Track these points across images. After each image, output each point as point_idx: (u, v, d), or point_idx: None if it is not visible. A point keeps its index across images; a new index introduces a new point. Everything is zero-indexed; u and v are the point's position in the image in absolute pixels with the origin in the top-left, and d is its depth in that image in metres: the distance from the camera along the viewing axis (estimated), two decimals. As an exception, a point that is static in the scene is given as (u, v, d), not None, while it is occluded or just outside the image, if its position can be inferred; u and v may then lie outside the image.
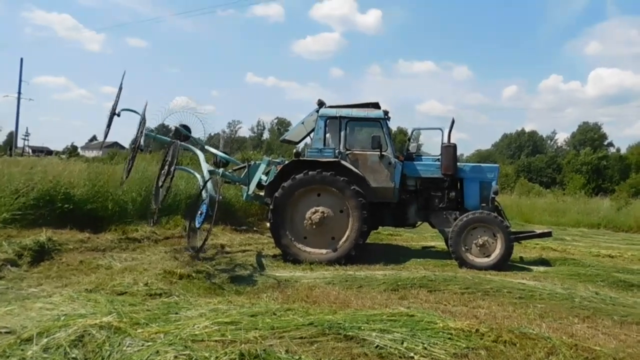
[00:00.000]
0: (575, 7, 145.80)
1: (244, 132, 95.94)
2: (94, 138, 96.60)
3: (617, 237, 16.08)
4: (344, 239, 8.74)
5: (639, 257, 11.10)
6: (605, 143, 77.18)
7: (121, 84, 8.85)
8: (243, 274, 7.53)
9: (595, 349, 4.49)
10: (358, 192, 8.64)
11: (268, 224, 9.07)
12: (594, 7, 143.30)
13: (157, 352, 3.61)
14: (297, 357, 3.69)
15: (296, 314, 5.03)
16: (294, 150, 9.26)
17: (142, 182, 11.09)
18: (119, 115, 8.76)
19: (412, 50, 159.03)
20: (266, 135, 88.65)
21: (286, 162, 9.26)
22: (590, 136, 77.93)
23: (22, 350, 3.70)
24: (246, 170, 9.48)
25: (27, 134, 64.48)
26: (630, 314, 6.08)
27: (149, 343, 3.83)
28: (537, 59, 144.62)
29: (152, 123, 9.14)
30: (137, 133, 8.67)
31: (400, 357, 4.14)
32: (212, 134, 10.13)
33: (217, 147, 10.50)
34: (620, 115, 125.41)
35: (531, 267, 9.09)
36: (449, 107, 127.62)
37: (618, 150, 73.06)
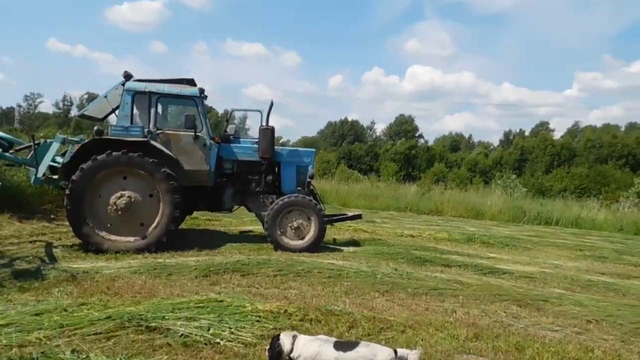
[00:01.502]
0: (401, 3, 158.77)
1: (47, 107, 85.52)
2: None
3: (420, 219, 18.07)
4: (154, 225, 8.28)
5: (434, 236, 12.70)
6: (417, 135, 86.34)
7: None
8: (31, 268, 6.66)
9: (390, 319, 5.09)
10: (169, 174, 8.22)
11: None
12: (416, 6, 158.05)
13: None
14: (84, 356, 3.43)
15: (92, 308, 4.75)
16: (95, 128, 8.46)
17: None
18: None
19: (241, 30, 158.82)
20: (74, 111, 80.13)
21: (85, 140, 8.43)
22: (404, 128, 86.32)
23: None
24: (32, 150, 8.38)
25: None
26: (422, 286, 6.92)
27: None
28: (363, 51, 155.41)
29: None
30: None
31: (206, 344, 4.17)
32: (6, 108, 8.68)
33: (11, 123, 9.09)
34: (430, 110, 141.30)
35: (342, 247, 9.75)
36: (277, 92, 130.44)
37: (426, 142, 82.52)
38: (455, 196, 23.81)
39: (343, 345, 3.36)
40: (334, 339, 3.51)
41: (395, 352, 3.28)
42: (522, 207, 21.72)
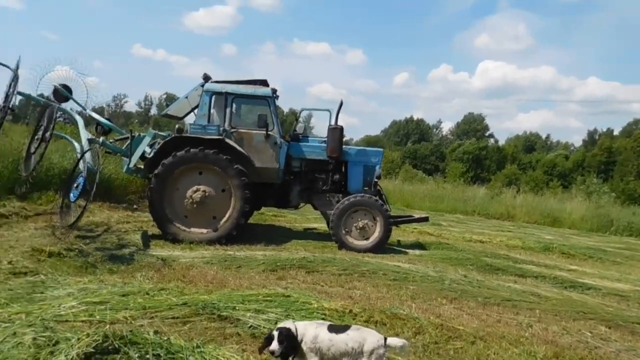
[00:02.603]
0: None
1: (131, 106, 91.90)
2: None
3: (489, 224, 17.65)
4: (225, 218, 8.84)
5: (506, 242, 12.34)
6: (487, 134, 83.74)
7: None
8: (118, 253, 7.37)
9: (459, 328, 4.95)
10: (241, 171, 8.75)
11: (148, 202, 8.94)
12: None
13: (15, 333, 3.53)
14: (165, 338, 3.73)
15: (170, 293, 5.10)
16: (176, 126, 9.12)
17: (10, 154, 10.34)
18: None
19: (308, 30, 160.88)
20: (154, 110, 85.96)
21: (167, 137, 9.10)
22: (473, 127, 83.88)
23: None
24: (129, 141, 9.21)
25: None
26: (493, 295, 6.74)
27: (7, 324, 3.73)
28: (430, 48, 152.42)
29: (28, 88, 8.64)
30: (8, 90, 8.13)
31: (273, 337, 4.38)
32: (96, 107, 9.71)
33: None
34: (502, 107, 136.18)
35: (407, 250, 9.76)
36: (341, 90, 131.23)
37: (496, 141, 79.66)
38: (529, 201, 22.96)
39: (336, 328, 3.52)
40: (327, 323, 3.66)
41: (385, 339, 3.40)
42: (609, 215, 20.44)
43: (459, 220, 17.77)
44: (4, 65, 8.37)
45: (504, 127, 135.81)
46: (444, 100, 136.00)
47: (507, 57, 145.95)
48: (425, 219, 10.86)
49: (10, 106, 8.29)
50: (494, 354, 4.42)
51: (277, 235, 10.03)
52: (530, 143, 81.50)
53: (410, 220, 10.72)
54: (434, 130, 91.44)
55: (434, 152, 67.01)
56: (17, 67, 8.23)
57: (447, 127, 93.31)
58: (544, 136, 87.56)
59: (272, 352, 3.30)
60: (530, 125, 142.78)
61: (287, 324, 3.52)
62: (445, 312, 5.63)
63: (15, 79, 8.15)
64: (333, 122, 9.60)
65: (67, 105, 9.33)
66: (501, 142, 78.38)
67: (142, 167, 9.27)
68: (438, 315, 5.38)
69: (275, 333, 3.35)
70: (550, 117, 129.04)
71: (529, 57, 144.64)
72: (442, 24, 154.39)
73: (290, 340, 3.35)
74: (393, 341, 3.43)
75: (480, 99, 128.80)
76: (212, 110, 9.29)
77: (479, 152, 61.85)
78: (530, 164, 60.53)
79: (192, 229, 8.77)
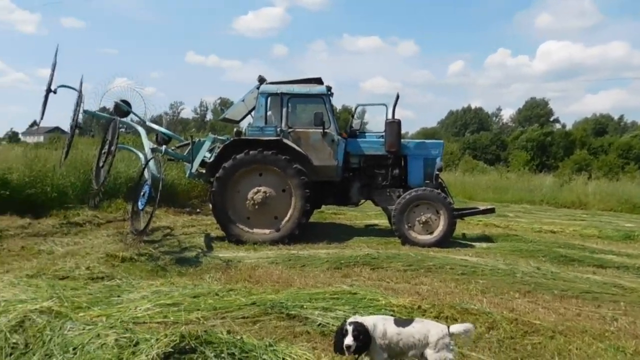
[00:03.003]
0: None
1: (187, 113, 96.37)
2: (34, 123, 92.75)
3: (559, 213, 16.95)
4: (286, 218, 9.03)
5: (580, 232, 11.80)
6: (552, 119, 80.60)
7: (55, 60, 8.86)
8: (186, 256, 7.71)
9: (535, 322, 4.80)
10: (300, 170, 8.90)
11: (210, 205, 9.24)
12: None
13: (98, 335, 3.77)
14: (238, 338, 3.86)
15: (239, 294, 5.27)
16: (235, 129, 9.39)
17: (81, 165, 11.24)
18: (55, 92, 8.79)
19: (357, 25, 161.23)
20: (209, 116, 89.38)
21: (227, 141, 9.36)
22: (536, 112, 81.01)
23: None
24: (190, 147, 9.58)
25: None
26: (570, 288, 6.48)
27: (90, 326, 3.98)
28: (485, 33, 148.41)
29: (91, 104, 9.18)
30: (75, 110, 8.73)
31: (342, 335, 4.44)
32: (154, 116, 10.30)
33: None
34: (568, 90, 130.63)
35: (474, 243, 9.56)
36: (395, 83, 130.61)
37: (564, 126, 76.35)
38: (603, 187, 21.65)
39: (401, 322, 3.53)
40: (391, 317, 3.69)
41: (449, 327, 3.41)
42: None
43: (526, 211, 17.21)
44: (70, 87, 9.02)
45: (571, 111, 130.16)
46: (503, 86, 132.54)
47: (572, 36, 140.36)
48: (492, 211, 10.58)
49: (77, 124, 8.99)
50: (577, 349, 4.27)
51: (339, 233, 10.10)
52: (601, 126, 77.46)
53: (475, 212, 10.47)
54: (494, 118, 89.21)
55: (495, 142, 65.08)
56: (81, 87, 8.81)
57: (507, 114, 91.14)
58: (616, 117, 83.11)
59: (348, 347, 3.30)
60: (600, 106, 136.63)
61: (359, 318, 3.54)
62: (519, 306, 5.48)
63: (80, 98, 8.72)
64: (390, 116, 9.57)
65: (128, 118, 9.88)
66: (568, 127, 75.13)
67: (203, 171, 9.56)
68: (511, 310, 5.25)
69: (349, 328, 3.35)
70: (624, 97, 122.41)
71: (597, 34, 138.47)
72: (498, 6, 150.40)
73: (365, 335, 3.36)
74: (456, 328, 3.45)
75: (542, 82, 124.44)
76: (268, 112, 9.53)
77: (544, 138, 59.38)
78: (601, 147, 57.32)
79: (255, 230, 9.01)
